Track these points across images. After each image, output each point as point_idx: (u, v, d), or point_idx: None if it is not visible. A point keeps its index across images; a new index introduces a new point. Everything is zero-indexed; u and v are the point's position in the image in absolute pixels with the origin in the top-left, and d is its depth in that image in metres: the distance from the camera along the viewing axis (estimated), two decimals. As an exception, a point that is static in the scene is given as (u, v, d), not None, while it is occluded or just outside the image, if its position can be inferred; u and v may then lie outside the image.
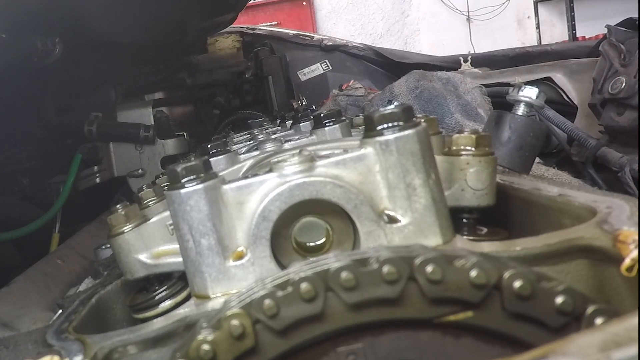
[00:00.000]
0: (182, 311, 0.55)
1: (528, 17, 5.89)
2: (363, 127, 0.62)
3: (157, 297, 0.63)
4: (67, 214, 1.60)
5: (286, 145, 0.80)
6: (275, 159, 0.70)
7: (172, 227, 0.60)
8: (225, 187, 0.53)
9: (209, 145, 0.80)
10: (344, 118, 0.88)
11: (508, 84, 1.54)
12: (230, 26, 2.35)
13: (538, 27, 5.68)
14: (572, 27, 5.27)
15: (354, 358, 0.41)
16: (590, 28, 4.99)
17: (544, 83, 1.62)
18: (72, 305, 0.65)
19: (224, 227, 0.52)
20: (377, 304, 0.41)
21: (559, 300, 0.38)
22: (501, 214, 0.70)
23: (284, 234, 0.53)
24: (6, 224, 1.42)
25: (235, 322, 0.40)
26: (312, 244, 0.53)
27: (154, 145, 1.74)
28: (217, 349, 0.40)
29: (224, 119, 2.26)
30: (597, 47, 1.46)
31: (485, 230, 0.63)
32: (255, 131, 1.12)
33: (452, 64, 2.19)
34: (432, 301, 0.40)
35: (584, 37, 4.96)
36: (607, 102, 1.30)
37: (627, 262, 0.44)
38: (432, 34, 6.17)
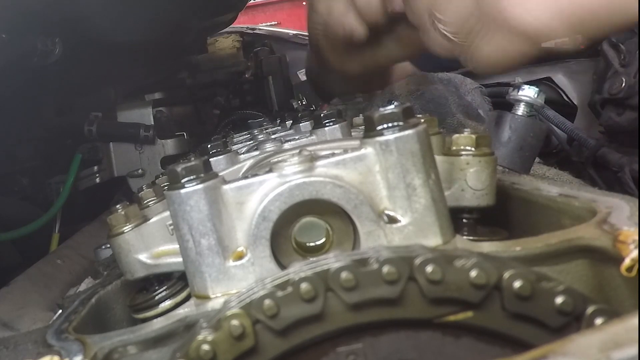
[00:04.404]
0: (182, 311, 0.55)
1: (528, 17, 5.88)
2: (363, 127, 0.62)
3: (157, 297, 0.63)
4: (67, 214, 1.60)
5: (286, 145, 0.80)
6: (275, 159, 0.70)
7: (172, 227, 0.60)
8: (225, 187, 0.53)
9: (209, 145, 0.80)
10: (344, 118, 0.88)
11: (508, 84, 1.54)
12: (230, 26, 2.35)
13: (538, 27, 5.67)
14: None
15: (354, 358, 0.41)
16: (590, 28, 4.97)
17: (544, 83, 1.62)
18: (72, 305, 0.65)
19: (224, 227, 0.52)
20: (377, 304, 0.41)
21: (559, 300, 0.38)
22: (501, 214, 0.70)
23: (284, 234, 0.53)
24: (6, 224, 1.42)
25: (235, 322, 0.40)
26: (312, 244, 0.53)
27: (154, 145, 1.74)
28: (217, 349, 0.40)
29: (224, 119, 2.26)
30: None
31: (485, 230, 0.63)
32: (255, 131, 1.12)
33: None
34: (432, 301, 0.40)
35: (584, 37, 4.95)
36: (606, 102, 1.30)
37: (627, 262, 0.44)
38: (432, 34, 6.15)
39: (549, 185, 0.69)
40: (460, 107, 1.37)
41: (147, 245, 0.63)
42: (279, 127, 1.21)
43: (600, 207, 0.55)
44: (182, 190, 0.52)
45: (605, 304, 0.39)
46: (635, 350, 0.28)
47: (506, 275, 0.39)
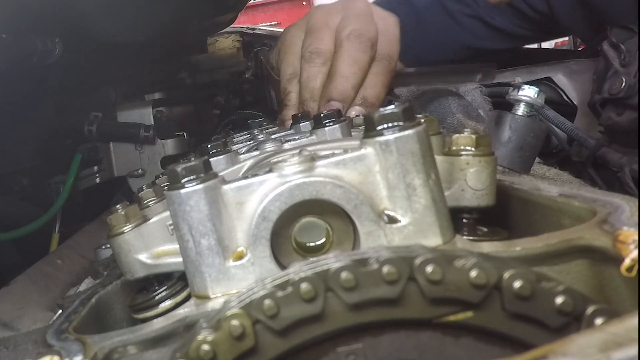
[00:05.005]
0: (182, 311, 0.55)
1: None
2: (363, 127, 0.62)
3: (157, 297, 0.63)
4: (67, 214, 1.60)
5: (286, 145, 0.80)
6: (275, 159, 0.70)
7: (172, 227, 0.60)
8: (225, 187, 0.53)
9: (209, 145, 0.79)
10: (343, 118, 0.88)
11: (508, 84, 1.54)
12: (230, 26, 2.35)
13: (538, 27, 5.65)
14: (572, 29, 5.24)
15: (354, 358, 0.41)
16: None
17: (544, 83, 1.62)
18: (72, 305, 0.65)
19: (224, 227, 0.52)
20: (377, 304, 0.41)
21: (559, 300, 0.38)
22: (501, 214, 0.70)
23: (284, 234, 0.53)
24: (6, 224, 1.42)
25: (235, 322, 0.40)
26: (312, 244, 0.53)
27: (154, 145, 1.74)
28: (217, 349, 0.40)
29: (224, 119, 2.25)
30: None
31: (485, 230, 0.63)
32: (255, 131, 1.12)
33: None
34: (432, 301, 0.40)
35: (584, 37, 4.94)
36: (606, 102, 1.30)
37: (627, 262, 0.44)
38: (432, 34, 6.13)
39: (549, 185, 0.69)
40: (460, 106, 1.37)
41: (147, 245, 0.63)
42: (279, 127, 1.21)
43: (600, 207, 0.55)
44: (182, 190, 0.52)
45: (605, 304, 0.39)
46: (635, 350, 0.28)
47: (506, 275, 0.39)
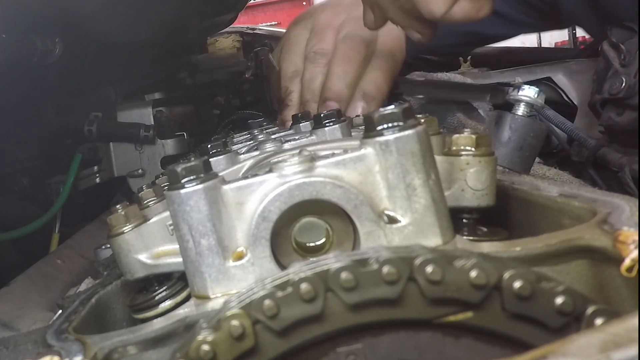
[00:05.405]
0: (182, 311, 0.55)
1: (528, 17, 5.87)
2: (363, 127, 0.62)
3: (157, 297, 0.63)
4: (67, 214, 1.60)
5: (286, 146, 0.80)
6: (275, 159, 0.70)
7: (172, 227, 0.60)
8: (225, 187, 0.53)
9: (209, 145, 0.79)
10: (343, 118, 0.88)
11: (508, 84, 1.54)
12: (230, 26, 2.35)
13: (538, 27, 5.65)
14: (572, 27, 5.26)
15: (354, 358, 0.41)
16: (590, 28, 4.96)
17: (544, 83, 1.61)
18: (72, 305, 0.65)
19: (223, 227, 0.52)
20: (377, 305, 0.41)
21: (559, 300, 0.38)
22: (501, 214, 0.70)
23: (284, 234, 0.53)
24: (6, 224, 1.42)
25: (235, 322, 0.40)
26: (312, 244, 0.53)
27: (154, 145, 1.74)
28: (217, 349, 0.40)
29: (224, 119, 2.25)
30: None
31: (485, 230, 0.63)
32: (255, 131, 1.12)
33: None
34: (432, 301, 0.40)
35: (584, 37, 4.96)
36: (606, 102, 1.30)
37: (627, 262, 0.44)
38: (432, 34, 6.13)
39: (549, 185, 0.69)
40: (460, 106, 1.37)
41: (147, 245, 0.63)
42: (279, 127, 1.22)
43: (600, 207, 0.55)
44: (182, 191, 0.52)
45: (605, 304, 0.39)
46: (635, 350, 0.28)
47: (506, 275, 0.39)
